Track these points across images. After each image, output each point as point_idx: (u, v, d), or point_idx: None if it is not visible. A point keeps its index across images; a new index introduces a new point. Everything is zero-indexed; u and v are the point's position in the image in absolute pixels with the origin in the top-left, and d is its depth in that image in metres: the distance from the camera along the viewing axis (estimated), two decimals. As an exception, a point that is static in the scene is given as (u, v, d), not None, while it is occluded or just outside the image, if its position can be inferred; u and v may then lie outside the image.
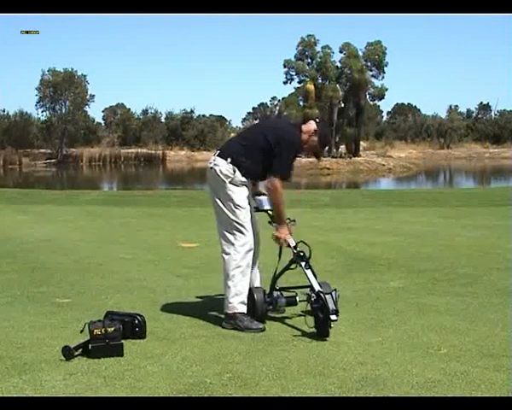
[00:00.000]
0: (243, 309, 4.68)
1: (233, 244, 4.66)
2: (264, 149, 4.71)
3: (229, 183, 4.67)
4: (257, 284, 4.93)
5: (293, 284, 5.09)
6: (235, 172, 4.67)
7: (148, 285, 6.12)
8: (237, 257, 4.66)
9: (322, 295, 4.48)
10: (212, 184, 4.76)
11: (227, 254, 4.69)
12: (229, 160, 4.68)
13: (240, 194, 4.69)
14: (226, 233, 4.70)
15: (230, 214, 4.67)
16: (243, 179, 4.70)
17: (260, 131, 4.89)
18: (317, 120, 4.98)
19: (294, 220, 4.96)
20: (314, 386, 3.58)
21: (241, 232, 4.67)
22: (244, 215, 4.68)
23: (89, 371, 3.81)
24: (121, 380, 3.67)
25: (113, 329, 4.14)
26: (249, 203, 4.76)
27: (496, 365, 3.90)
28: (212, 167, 4.74)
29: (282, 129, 4.86)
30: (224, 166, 4.68)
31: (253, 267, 4.84)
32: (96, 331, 4.11)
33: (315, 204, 14.99)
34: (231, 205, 4.67)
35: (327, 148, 5.09)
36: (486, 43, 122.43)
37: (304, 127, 4.88)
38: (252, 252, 4.72)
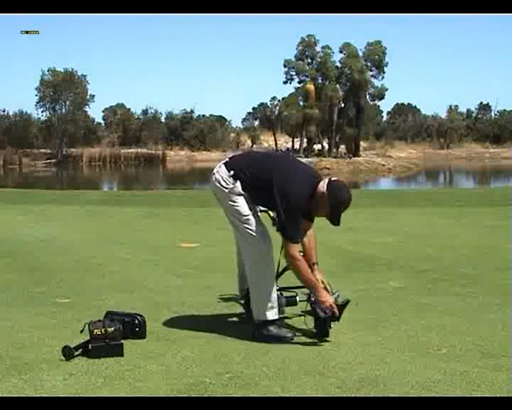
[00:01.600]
0: (272, 316, 4.46)
1: (251, 252, 4.51)
2: (267, 188, 4.45)
3: (229, 192, 4.53)
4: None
5: (293, 284, 5.08)
6: (234, 183, 4.52)
7: (148, 285, 6.12)
8: (257, 264, 4.47)
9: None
10: (215, 192, 4.65)
11: (249, 263, 4.53)
12: (232, 172, 4.54)
13: (241, 202, 4.52)
14: (244, 240, 4.54)
15: (239, 222, 4.53)
16: (242, 191, 4.53)
17: (271, 171, 4.54)
18: (332, 179, 4.45)
19: (338, 293, 4.60)
20: (314, 386, 3.58)
21: (254, 239, 4.49)
22: (252, 222, 4.51)
23: (89, 371, 3.81)
24: (121, 380, 3.68)
25: (113, 329, 4.14)
26: (252, 208, 4.56)
27: (496, 365, 3.90)
28: (214, 173, 4.63)
29: (295, 183, 4.40)
30: (224, 176, 4.55)
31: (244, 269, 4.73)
32: (96, 331, 4.11)
33: (315, 204, 14.95)
34: (237, 215, 4.53)
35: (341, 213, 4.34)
36: (486, 43, 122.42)
37: (318, 187, 4.38)
38: (270, 256, 4.49)
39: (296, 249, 4.45)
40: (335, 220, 4.41)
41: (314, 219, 4.66)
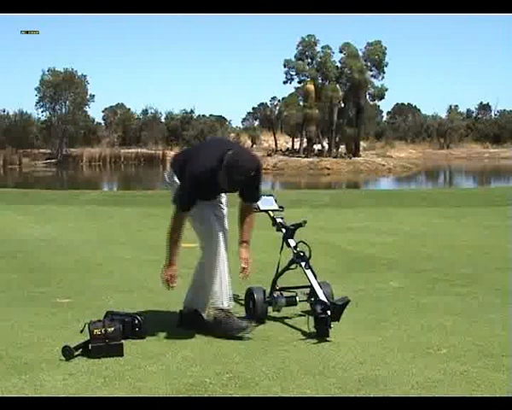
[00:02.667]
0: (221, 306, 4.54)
1: (204, 250, 4.62)
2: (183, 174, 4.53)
3: (172, 187, 4.63)
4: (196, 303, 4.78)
5: (293, 284, 5.08)
6: (174, 177, 4.61)
7: (148, 285, 6.12)
8: (208, 257, 4.58)
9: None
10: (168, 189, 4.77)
11: (203, 259, 4.64)
12: (172, 169, 4.66)
13: None
14: (198, 239, 4.66)
15: (190, 222, 4.63)
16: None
17: (190, 150, 4.78)
18: (233, 152, 4.34)
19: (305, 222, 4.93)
20: (314, 386, 3.58)
21: (203, 236, 4.60)
22: (200, 218, 4.56)
23: (89, 371, 3.81)
24: (121, 380, 3.68)
25: (113, 329, 4.14)
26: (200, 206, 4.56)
27: (496, 365, 3.90)
28: (164, 174, 4.79)
29: (196, 159, 4.47)
30: (169, 176, 4.66)
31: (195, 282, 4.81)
32: (96, 331, 4.11)
33: (315, 204, 14.98)
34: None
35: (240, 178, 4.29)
36: (486, 43, 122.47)
37: (225, 158, 4.33)
38: (220, 253, 4.53)
39: (179, 220, 4.47)
40: (225, 187, 4.37)
41: (253, 202, 4.72)
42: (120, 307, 5.00)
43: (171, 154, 53.77)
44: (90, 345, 4.09)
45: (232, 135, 62.96)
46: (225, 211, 4.76)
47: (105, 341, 4.09)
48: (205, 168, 4.36)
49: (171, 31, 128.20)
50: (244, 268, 4.67)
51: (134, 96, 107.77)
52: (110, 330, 4.13)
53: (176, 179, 4.59)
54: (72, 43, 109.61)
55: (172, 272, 4.58)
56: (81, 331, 4.24)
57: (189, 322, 4.68)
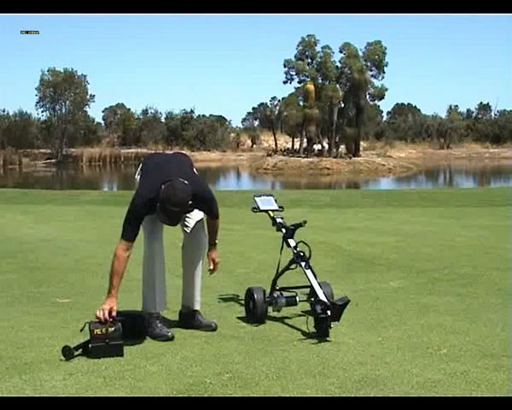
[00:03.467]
0: (152, 310, 4.57)
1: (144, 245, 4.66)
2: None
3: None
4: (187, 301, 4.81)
5: (293, 284, 5.08)
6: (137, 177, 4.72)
7: (148, 285, 6.11)
8: (144, 256, 4.67)
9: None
10: None
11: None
12: (139, 168, 4.74)
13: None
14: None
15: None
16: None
17: (146, 168, 4.69)
18: (166, 185, 4.28)
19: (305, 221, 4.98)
20: (314, 386, 3.58)
21: (147, 231, 4.61)
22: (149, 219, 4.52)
23: (89, 371, 3.81)
24: (121, 380, 3.68)
25: (113, 329, 4.14)
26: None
27: (496, 365, 3.90)
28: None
29: (140, 187, 4.55)
30: (138, 171, 4.75)
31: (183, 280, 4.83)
32: (97, 331, 4.11)
33: (315, 204, 14.99)
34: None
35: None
36: (486, 43, 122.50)
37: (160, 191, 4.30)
38: (152, 250, 4.59)
39: (122, 248, 4.37)
40: (166, 220, 4.35)
41: (212, 215, 4.73)
42: (120, 307, 5.00)
43: (171, 154, 53.88)
44: (89, 345, 4.09)
45: (232, 135, 62.99)
46: (194, 217, 4.73)
47: (105, 341, 4.09)
48: (143, 204, 4.36)
49: (171, 31, 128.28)
50: (211, 269, 4.85)
51: (134, 96, 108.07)
52: (110, 330, 4.13)
53: (137, 181, 4.69)
54: (72, 43, 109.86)
55: (112, 304, 4.26)
56: (81, 330, 4.24)
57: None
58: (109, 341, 4.10)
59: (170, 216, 4.29)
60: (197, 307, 4.77)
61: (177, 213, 4.28)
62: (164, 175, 4.38)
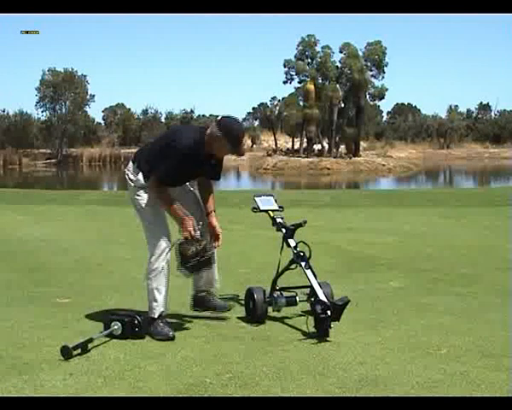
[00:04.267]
0: (155, 315, 4.54)
1: (150, 247, 4.58)
2: (158, 157, 4.56)
3: (134, 186, 4.64)
4: (207, 284, 4.89)
5: (293, 284, 5.08)
6: (137, 175, 4.63)
7: (148, 285, 6.11)
8: (152, 260, 4.55)
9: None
10: (128, 191, 4.76)
11: (148, 256, 4.60)
12: (135, 164, 4.68)
13: (144, 196, 4.61)
14: (144, 235, 4.65)
15: (141, 219, 4.65)
16: (145, 184, 4.61)
17: (161, 137, 4.84)
18: (220, 121, 4.51)
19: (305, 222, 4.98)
20: (314, 386, 3.58)
21: (152, 235, 4.56)
22: (152, 217, 4.57)
23: (89, 371, 3.81)
24: (121, 380, 3.68)
25: (203, 244, 4.44)
26: (156, 206, 4.59)
27: (496, 365, 3.90)
28: (124, 171, 4.76)
29: (174, 135, 4.61)
30: (131, 171, 4.69)
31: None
32: (190, 252, 4.38)
33: (315, 204, 14.98)
34: (139, 208, 4.63)
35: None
36: (486, 43, 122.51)
37: (208, 131, 4.51)
38: (165, 253, 4.53)
39: (162, 189, 4.50)
40: (239, 150, 4.49)
41: (214, 181, 4.82)
42: (120, 307, 5.00)
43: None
44: (188, 264, 4.39)
45: (188, 125, 62.91)
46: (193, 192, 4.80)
47: (198, 257, 4.36)
48: (191, 141, 4.45)
49: (171, 31, 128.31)
50: (218, 235, 4.70)
51: (134, 96, 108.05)
52: (200, 247, 4.37)
53: (140, 177, 4.60)
54: (72, 43, 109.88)
55: (192, 222, 4.50)
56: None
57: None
58: (201, 256, 4.41)
59: (239, 144, 4.46)
60: (217, 284, 4.90)
61: (243, 140, 4.51)
62: (191, 126, 4.73)
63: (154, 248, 4.54)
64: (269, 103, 61.24)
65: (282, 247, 4.97)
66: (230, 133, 4.42)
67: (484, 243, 8.68)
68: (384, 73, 46.34)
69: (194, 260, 4.43)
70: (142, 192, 4.61)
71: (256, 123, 69.49)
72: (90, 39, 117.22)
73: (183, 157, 4.43)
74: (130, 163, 4.73)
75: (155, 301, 4.56)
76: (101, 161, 51.13)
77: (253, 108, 73.34)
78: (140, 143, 56.75)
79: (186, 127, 4.67)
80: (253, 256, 7.50)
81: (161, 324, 4.51)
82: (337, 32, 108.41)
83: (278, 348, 4.23)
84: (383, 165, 42.40)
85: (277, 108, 58.17)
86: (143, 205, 4.60)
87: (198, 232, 4.51)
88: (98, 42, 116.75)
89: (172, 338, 4.42)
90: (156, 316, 4.54)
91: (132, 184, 4.65)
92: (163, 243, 4.53)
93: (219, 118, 4.56)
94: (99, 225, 10.79)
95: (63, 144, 51.81)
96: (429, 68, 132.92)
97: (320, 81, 45.98)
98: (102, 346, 4.26)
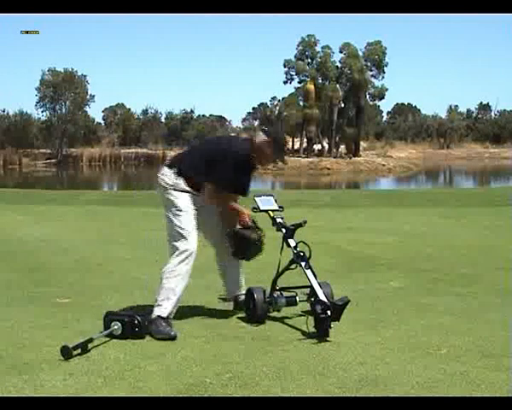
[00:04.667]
0: (164, 314, 4.56)
1: (176, 249, 4.64)
2: (210, 163, 4.71)
3: (173, 189, 4.72)
4: (234, 287, 5.04)
5: (293, 284, 5.08)
6: (177, 179, 4.72)
7: (148, 285, 6.10)
8: (175, 261, 4.63)
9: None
10: (159, 193, 4.83)
11: (170, 257, 4.67)
12: (174, 169, 4.75)
13: (182, 198, 4.69)
14: (170, 237, 4.71)
15: (174, 217, 4.69)
16: (186, 188, 4.72)
17: (209, 147, 4.94)
18: (266, 129, 4.91)
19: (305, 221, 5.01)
20: (314, 386, 3.58)
21: (182, 237, 4.64)
22: (186, 219, 4.66)
23: (89, 372, 3.81)
24: (121, 380, 3.67)
25: (260, 231, 4.93)
26: (194, 209, 4.73)
27: (496, 365, 3.90)
28: (159, 175, 4.82)
29: (230, 145, 4.80)
30: (168, 175, 4.76)
31: (231, 271, 5.03)
32: (253, 236, 4.87)
33: (315, 204, 14.98)
34: (174, 209, 4.69)
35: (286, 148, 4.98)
36: (486, 43, 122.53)
37: (255, 139, 4.79)
38: (192, 259, 4.64)
39: (213, 191, 4.75)
40: (283, 156, 4.91)
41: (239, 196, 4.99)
42: (120, 307, 5.01)
43: (171, 154, 53.91)
44: (250, 249, 4.88)
45: (232, 135, 62.97)
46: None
47: (258, 242, 4.89)
48: (247, 151, 4.72)
49: (171, 31, 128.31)
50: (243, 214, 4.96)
51: (134, 96, 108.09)
52: (259, 232, 4.94)
53: (181, 181, 4.69)
54: (72, 43, 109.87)
55: (247, 211, 4.93)
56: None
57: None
58: (260, 242, 4.88)
59: (284, 150, 4.93)
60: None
61: (282, 155, 4.92)
62: (235, 136, 5.13)
63: (180, 252, 4.60)
64: (269, 103, 61.38)
65: (282, 247, 4.96)
66: (277, 138, 4.79)
67: (484, 243, 8.68)
68: (384, 73, 46.45)
69: (255, 244, 4.85)
70: (178, 193, 4.70)
71: (256, 123, 69.50)
72: (90, 39, 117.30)
73: (240, 164, 4.67)
74: (166, 168, 4.80)
75: (168, 300, 4.58)
76: (101, 161, 51.12)
77: (253, 108, 73.42)
78: (140, 143, 56.93)
79: (235, 137, 4.98)
80: (253, 256, 7.49)
81: (164, 323, 4.51)
82: (337, 32, 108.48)
83: (278, 348, 4.23)
84: (383, 165, 42.42)
85: (277, 108, 58.20)
86: (176, 204, 4.68)
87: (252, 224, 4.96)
88: (98, 42, 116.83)
89: (174, 338, 4.43)
90: (165, 316, 4.53)
91: (168, 186, 4.71)
92: (191, 249, 4.61)
93: (264, 127, 4.92)
94: (99, 225, 10.79)
95: (63, 144, 51.80)
96: (429, 68, 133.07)
97: (320, 81, 46.02)
98: (102, 346, 4.26)
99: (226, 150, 4.71)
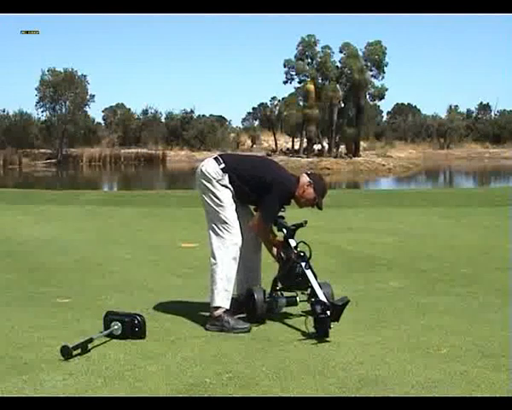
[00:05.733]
0: (228, 305, 4.71)
1: (221, 238, 4.74)
2: (256, 183, 4.85)
3: (216, 181, 4.80)
4: (255, 281, 5.01)
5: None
6: (223, 175, 4.80)
7: (148, 285, 6.12)
8: (222, 252, 4.71)
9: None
10: (201, 182, 4.88)
11: (215, 249, 4.75)
12: (222, 165, 4.83)
13: (225, 192, 4.80)
14: (214, 228, 4.78)
15: (218, 209, 4.78)
16: (229, 185, 4.82)
17: (262, 165, 5.04)
18: (308, 172, 5.08)
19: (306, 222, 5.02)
20: (314, 386, 3.58)
21: (227, 228, 4.74)
22: (229, 212, 4.77)
23: (89, 371, 3.81)
24: (121, 380, 3.67)
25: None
26: (235, 202, 4.83)
27: (496, 365, 3.90)
28: (202, 166, 4.89)
29: (280, 176, 4.94)
30: (213, 167, 4.83)
31: (251, 265, 4.97)
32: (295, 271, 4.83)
33: (315, 204, 14.95)
34: (217, 201, 4.78)
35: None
36: (486, 43, 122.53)
37: (301, 180, 4.95)
38: (238, 248, 4.75)
39: (264, 227, 4.94)
40: (321, 205, 4.98)
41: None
42: (120, 307, 5.00)
43: (171, 154, 53.94)
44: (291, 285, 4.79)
45: (232, 135, 62.96)
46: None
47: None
48: (291, 188, 4.88)
49: (171, 31, 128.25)
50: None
51: (134, 96, 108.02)
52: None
53: (226, 178, 4.80)
54: (72, 43, 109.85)
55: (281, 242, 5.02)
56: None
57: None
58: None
59: (322, 196, 4.99)
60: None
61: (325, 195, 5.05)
62: (286, 171, 5.13)
63: (227, 241, 4.72)
64: (269, 103, 61.26)
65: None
66: (318, 183, 4.97)
67: (484, 243, 8.68)
68: (384, 73, 46.41)
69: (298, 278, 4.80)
70: (222, 188, 4.81)
71: (256, 123, 69.50)
72: (90, 39, 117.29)
73: (285, 200, 4.90)
74: (213, 161, 4.88)
75: (226, 290, 4.70)
76: (101, 161, 51.08)
77: (253, 108, 73.32)
78: (140, 143, 56.90)
79: (286, 174, 5.06)
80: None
81: (233, 318, 4.66)
82: (337, 32, 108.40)
83: (278, 348, 4.23)
84: (383, 165, 42.41)
85: (277, 108, 58.17)
86: (220, 197, 4.79)
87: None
88: (98, 42, 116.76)
89: (249, 330, 4.59)
90: (225, 306, 4.67)
91: (214, 180, 4.80)
92: (237, 237, 4.75)
93: (307, 172, 5.09)
94: (99, 225, 10.78)
95: (63, 144, 51.76)
96: (429, 68, 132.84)
97: (320, 81, 46.00)
98: (102, 346, 4.26)
99: (279, 183, 4.84)
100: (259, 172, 4.88)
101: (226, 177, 4.81)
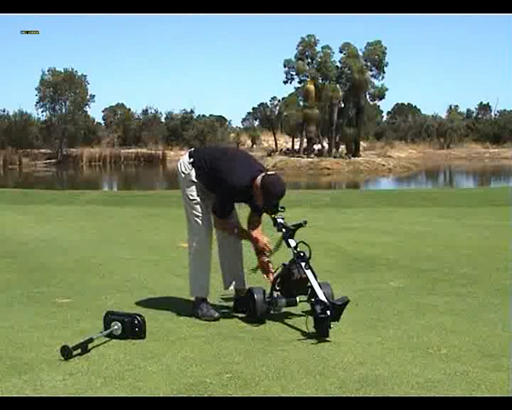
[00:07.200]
0: (203, 294, 5.00)
1: (191, 233, 5.03)
2: (214, 176, 4.91)
3: (185, 177, 5.00)
4: (237, 281, 5.16)
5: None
6: (191, 169, 4.97)
7: (148, 285, 6.12)
8: (193, 248, 5.03)
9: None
10: (178, 178, 5.12)
11: (189, 243, 5.07)
12: (191, 159, 5.00)
13: (192, 188, 4.98)
14: (188, 222, 5.07)
15: (187, 205, 5.03)
16: (195, 179, 4.98)
17: (226, 159, 5.03)
18: (269, 173, 4.86)
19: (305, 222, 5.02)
20: (314, 386, 3.58)
21: (195, 223, 4.99)
22: (196, 207, 4.97)
23: (89, 371, 3.81)
24: (121, 380, 3.67)
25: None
26: (205, 196, 4.99)
27: (496, 365, 3.90)
28: (178, 160, 5.14)
29: (234, 171, 4.84)
30: (184, 162, 5.03)
31: (233, 263, 5.17)
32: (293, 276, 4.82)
33: (315, 204, 14.98)
34: (186, 198, 5.01)
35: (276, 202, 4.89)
36: (486, 43, 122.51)
37: (255, 181, 4.81)
38: (205, 242, 4.99)
39: (226, 223, 5.02)
40: (269, 210, 4.92)
41: (261, 215, 5.10)
42: (120, 307, 5.01)
43: (171, 154, 53.91)
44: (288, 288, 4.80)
45: (232, 135, 62.95)
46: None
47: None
48: (240, 185, 4.80)
49: (171, 31, 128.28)
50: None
51: (134, 96, 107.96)
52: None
53: (193, 173, 4.93)
54: (72, 43, 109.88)
55: (265, 240, 5.00)
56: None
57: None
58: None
59: (273, 205, 4.86)
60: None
61: (275, 204, 4.87)
62: (249, 164, 4.93)
63: (196, 238, 4.98)
64: (269, 103, 61.28)
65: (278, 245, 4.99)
66: (270, 189, 4.75)
67: (484, 243, 8.68)
68: (384, 73, 46.34)
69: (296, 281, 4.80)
70: (190, 184, 4.98)
71: (256, 123, 69.51)
72: (90, 39, 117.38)
73: (234, 193, 4.87)
74: (186, 156, 5.06)
75: (198, 282, 5.01)
76: (101, 161, 51.08)
77: (253, 108, 73.36)
78: (140, 143, 56.92)
79: (242, 167, 4.90)
80: (253, 256, 7.48)
81: (206, 306, 4.93)
82: (337, 32, 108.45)
83: (278, 348, 4.23)
84: (383, 165, 42.40)
85: (277, 108, 58.18)
86: (190, 196, 4.98)
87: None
88: (98, 42, 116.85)
89: (218, 319, 4.82)
90: (200, 296, 4.96)
91: (183, 176, 5.01)
92: (202, 233, 4.97)
93: (269, 172, 4.90)
94: (99, 225, 10.79)
95: (63, 144, 51.76)
96: (429, 68, 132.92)
97: (320, 81, 45.94)
98: (102, 346, 4.26)
99: (223, 179, 4.82)
100: (218, 165, 4.90)
101: (193, 171, 4.95)
